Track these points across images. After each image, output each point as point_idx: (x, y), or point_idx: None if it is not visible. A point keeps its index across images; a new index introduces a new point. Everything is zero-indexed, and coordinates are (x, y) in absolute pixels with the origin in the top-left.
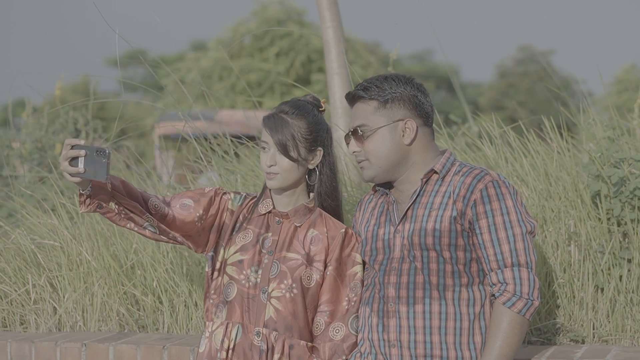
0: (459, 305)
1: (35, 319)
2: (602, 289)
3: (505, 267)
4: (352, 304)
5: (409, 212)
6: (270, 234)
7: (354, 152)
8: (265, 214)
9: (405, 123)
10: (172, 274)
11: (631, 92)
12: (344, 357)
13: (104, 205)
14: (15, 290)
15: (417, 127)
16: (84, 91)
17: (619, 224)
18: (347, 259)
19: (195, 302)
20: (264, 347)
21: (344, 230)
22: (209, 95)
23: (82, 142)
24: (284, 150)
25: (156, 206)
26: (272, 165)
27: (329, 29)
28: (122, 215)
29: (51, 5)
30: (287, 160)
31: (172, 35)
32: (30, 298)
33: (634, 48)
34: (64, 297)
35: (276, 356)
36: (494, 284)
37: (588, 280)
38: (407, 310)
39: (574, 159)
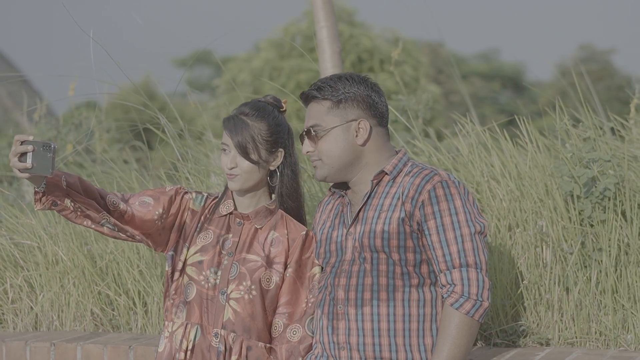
0: (409, 306)
1: (13, 318)
2: (569, 291)
3: (454, 267)
4: (310, 305)
5: (360, 214)
6: (230, 235)
7: (308, 152)
8: (226, 215)
9: (359, 123)
10: (146, 275)
11: None
12: (300, 359)
13: (59, 202)
14: None
15: (370, 127)
16: (145, 92)
17: (591, 225)
18: (307, 260)
19: None
20: (222, 348)
21: (304, 232)
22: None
23: (30, 137)
24: (244, 152)
25: (114, 202)
26: (233, 167)
27: (322, 28)
28: (79, 213)
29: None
30: (247, 162)
31: (237, 35)
32: (8, 297)
33: None
34: (40, 296)
35: (234, 357)
36: (443, 286)
37: (555, 282)
38: (355, 313)
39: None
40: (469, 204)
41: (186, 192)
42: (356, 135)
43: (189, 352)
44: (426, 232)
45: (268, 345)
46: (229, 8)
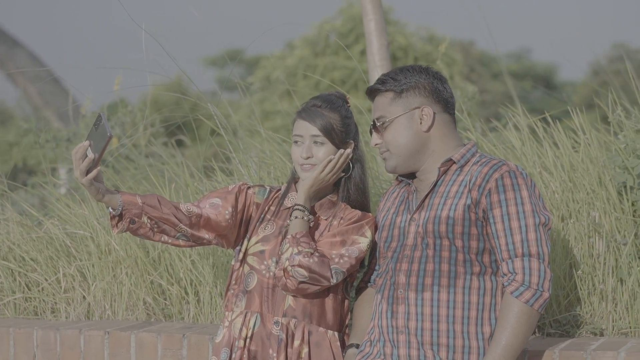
0: (469, 294)
1: (65, 307)
2: (623, 282)
3: (516, 257)
4: (340, 260)
5: (426, 201)
6: None
7: (376, 144)
8: (290, 207)
9: (422, 110)
10: (198, 265)
11: None
12: (315, 259)
13: (136, 220)
14: (46, 279)
15: (434, 113)
16: (177, 90)
17: None
18: (354, 229)
19: (220, 293)
20: (283, 336)
21: (361, 213)
22: (294, 93)
23: (83, 142)
24: (329, 134)
25: (189, 210)
26: (308, 157)
27: (370, 21)
28: (155, 230)
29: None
30: (323, 150)
31: (270, 34)
32: (61, 287)
33: None
34: (93, 286)
35: (296, 342)
36: (504, 274)
37: (609, 272)
38: (415, 297)
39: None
40: (534, 196)
41: (249, 187)
42: (420, 122)
43: (248, 340)
44: (491, 220)
45: (330, 331)
46: (260, 8)
